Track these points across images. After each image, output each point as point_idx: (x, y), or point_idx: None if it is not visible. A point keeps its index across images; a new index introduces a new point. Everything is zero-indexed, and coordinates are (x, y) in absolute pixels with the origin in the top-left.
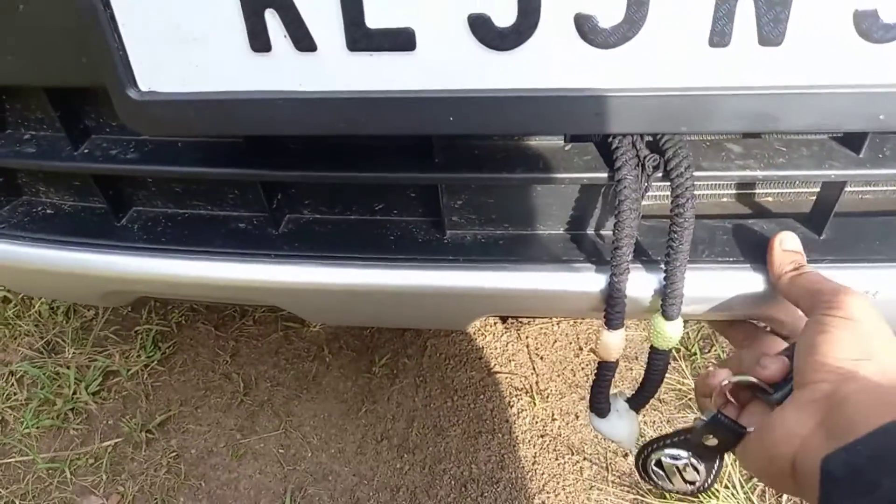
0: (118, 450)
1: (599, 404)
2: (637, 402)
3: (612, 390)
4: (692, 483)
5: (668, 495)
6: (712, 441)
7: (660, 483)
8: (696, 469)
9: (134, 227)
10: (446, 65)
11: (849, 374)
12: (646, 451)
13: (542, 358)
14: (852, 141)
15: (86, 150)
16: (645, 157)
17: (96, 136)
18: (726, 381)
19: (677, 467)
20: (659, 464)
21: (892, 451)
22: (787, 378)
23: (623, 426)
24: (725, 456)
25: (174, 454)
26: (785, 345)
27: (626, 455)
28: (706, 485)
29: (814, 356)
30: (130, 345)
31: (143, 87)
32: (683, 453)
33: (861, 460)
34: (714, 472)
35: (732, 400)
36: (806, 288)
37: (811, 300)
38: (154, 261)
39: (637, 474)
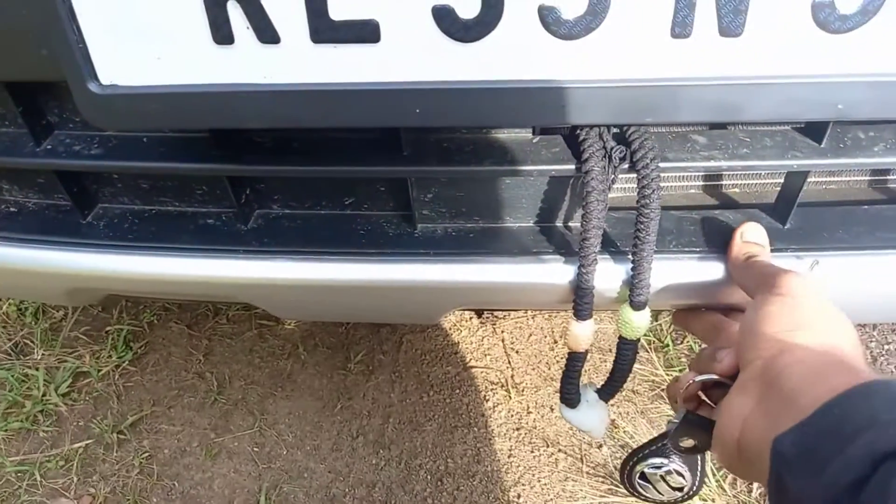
0: (89, 451)
1: (569, 395)
2: (607, 392)
3: (583, 381)
4: (680, 489)
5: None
6: (689, 442)
7: (649, 495)
8: (680, 474)
9: (100, 225)
10: (411, 57)
11: (783, 346)
12: (628, 466)
13: (517, 352)
14: (814, 131)
15: (49, 147)
16: (612, 149)
17: (60, 131)
18: (690, 382)
19: (662, 476)
20: (643, 476)
21: (839, 428)
22: None
23: (593, 416)
24: (707, 455)
25: (146, 455)
26: None
27: (600, 446)
28: (695, 488)
29: (749, 334)
30: (101, 345)
31: (105, 80)
32: (665, 460)
33: (810, 439)
34: (699, 473)
35: (707, 400)
36: (753, 274)
37: (757, 285)
38: (121, 258)
39: (624, 486)
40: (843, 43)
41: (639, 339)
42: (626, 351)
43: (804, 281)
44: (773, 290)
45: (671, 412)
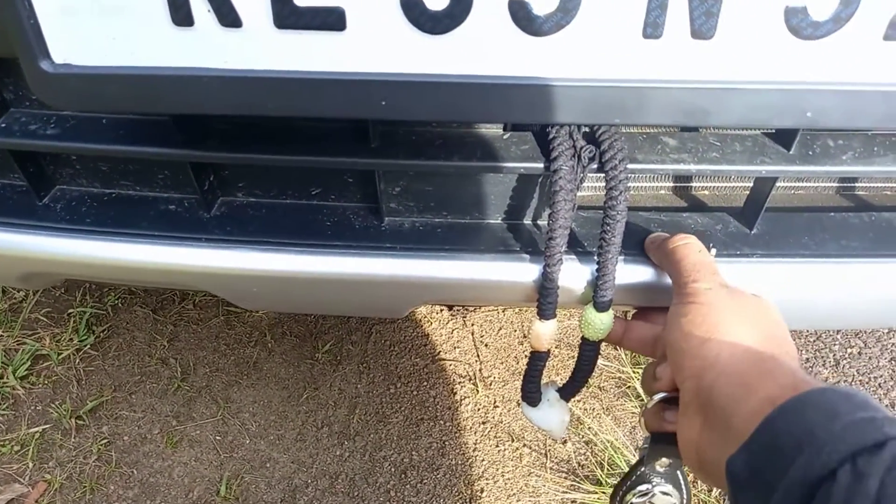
0: (46, 436)
1: (531, 393)
2: (568, 392)
3: (546, 380)
4: None
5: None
6: (664, 461)
7: None
8: (667, 494)
9: (57, 207)
10: (378, 47)
11: (705, 361)
12: (616, 499)
13: (486, 345)
14: (784, 137)
15: (3, 125)
16: (581, 149)
17: (15, 109)
18: (644, 410)
19: (650, 501)
20: None
21: (780, 448)
22: None
23: (554, 416)
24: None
25: (105, 441)
26: None
27: (564, 442)
28: (685, 501)
29: (675, 352)
30: (62, 328)
31: (58, 59)
32: (649, 486)
33: (757, 460)
34: (684, 486)
35: (672, 419)
36: (671, 267)
37: (674, 282)
38: (78, 242)
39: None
40: (814, 50)
41: (601, 341)
42: (589, 352)
43: (710, 283)
44: (682, 297)
45: (637, 409)
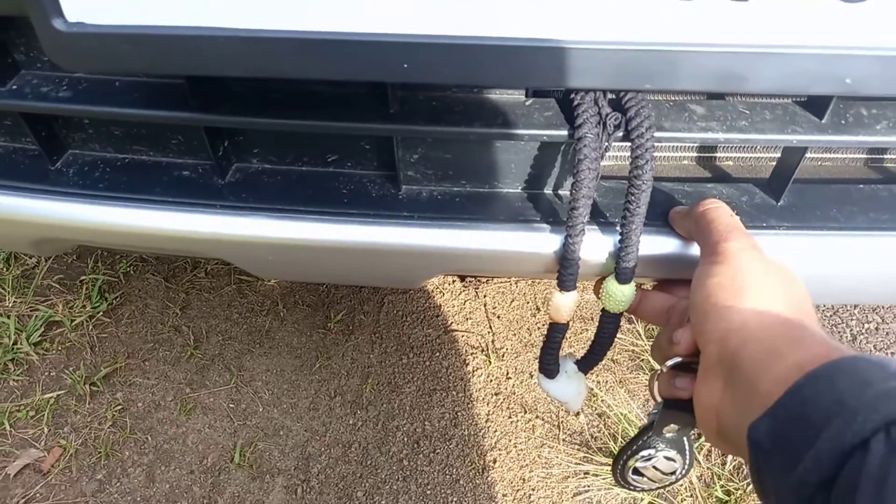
0: (60, 402)
1: (549, 365)
2: (586, 364)
3: (563, 352)
4: (673, 472)
5: (615, 454)
6: (673, 428)
7: (644, 487)
8: (671, 459)
9: (69, 172)
10: (399, 6)
11: (731, 324)
12: (619, 464)
13: (498, 317)
14: (816, 106)
15: (14, 87)
16: (607, 116)
17: (27, 71)
18: (659, 373)
19: (653, 466)
20: (636, 471)
21: (808, 415)
22: None
23: (571, 388)
24: (692, 433)
25: (119, 407)
26: None
27: (577, 414)
28: (686, 468)
29: (698, 313)
30: (75, 294)
31: (71, 17)
32: (653, 451)
33: (782, 427)
34: (688, 452)
35: (682, 386)
36: (701, 229)
37: (702, 245)
38: (90, 207)
39: (619, 484)
40: (856, 13)
41: (621, 313)
42: (608, 324)
43: (742, 244)
44: (711, 258)
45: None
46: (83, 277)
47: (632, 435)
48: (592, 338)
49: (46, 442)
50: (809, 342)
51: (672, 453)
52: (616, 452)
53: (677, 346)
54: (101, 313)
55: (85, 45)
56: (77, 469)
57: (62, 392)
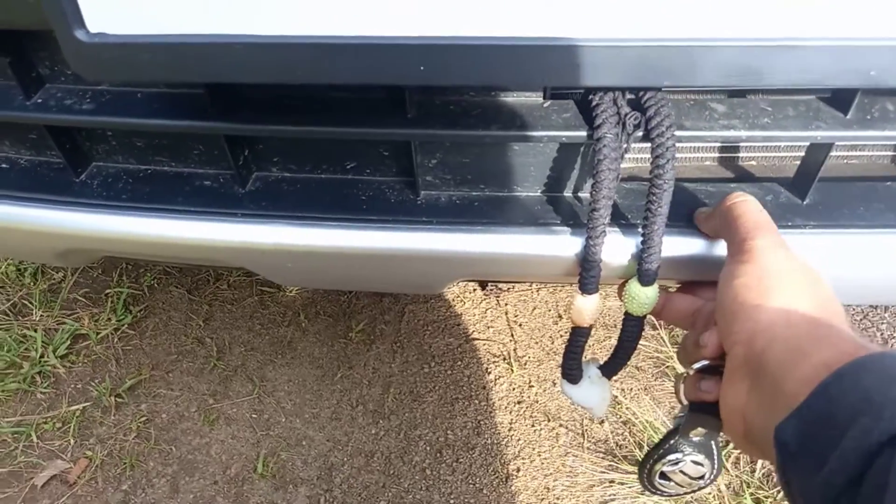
0: (86, 414)
1: (571, 370)
2: (610, 369)
3: (586, 357)
4: (702, 477)
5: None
6: (700, 432)
7: (672, 492)
8: (699, 463)
9: (93, 184)
10: (416, 8)
11: (757, 325)
12: (646, 469)
13: (520, 325)
14: (840, 101)
15: (39, 100)
16: (626, 115)
17: (51, 84)
18: (685, 376)
19: (681, 470)
20: (663, 475)
21: (833, 414)
22: None
23: (595, 393)
24: (720, 437)
25: (144, 419)
26: None
27: (602, 422)
28: (715, 471)
29: (725, 314)
30: (100, 308)
31: (93, 28)
32: (680, 455)
33: (809, 427)
34: (716, 456)
35: (708, 388)
36: (727, 225)
37: (729, 243)
38: (114, 218)
39: (646, 489)
40: (880, 3)
41: (645, 316)
42: (632, 328)
43: (769, 242)
44: (738, 256)
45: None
46: (108, 291)
47: (658, 440)
48: (616, 342)
49: (73, 453)
50: (836, 340)
51: (700, 457)
52: (642, 457)
53: (704, 349)
54: (126, 326)
55: (107, 55)
56: (103, 480)
57: (88, 404)
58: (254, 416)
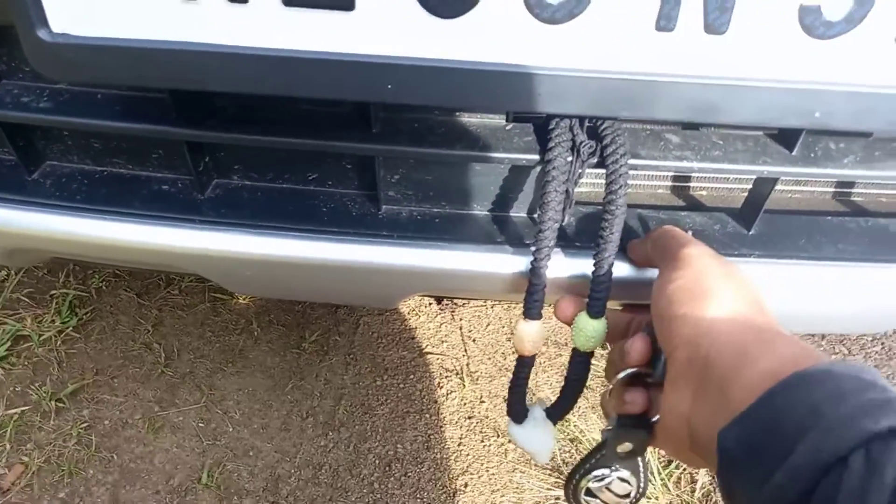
0: (25, 418)
1: (515, 406)
2: (556, 412)
3: (533, 398)
4: (627, 495)
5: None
6: (627, 446)
7: None
8: (625, 480)
9: (46, 183)
10: (387, 28)
11: (698, 329)
12: (571, 485)
13: (474, 340)
14: (786, 138)
15: None
16: (581, 143)
17: (7, 80)
18: (611, 386)
19: (607, 487)
20: (589, 492)
21: (781, 425)
22: (655, 351)
23: (538, 437)
24: (648, 455)
25: (85, 425)
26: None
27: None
28: (641, 490)
29: (662, 320)
30: (45, 309)
31: (56, 28)
32: (606, 471)
33: (754, 436)
34: (643, 474)
35: (633, 400)
36: (658, 247)
37: (660, 259)
38: (66, 219)
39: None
40: (826, 50)
41: (593, 353)
42: (579, 364)
43: (701, 250)
44: (672, 264)
45: None
46: (53, 292)
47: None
48: (563, 382)
49: (8, 459)
50: (780, 345)
51: (626, 474)
52: (568, 472)
53: (628, 356)
54: (71, 328)
55: (69, 55)
56: (39, 487)
57: (27, 408)
58: (200, 425)
